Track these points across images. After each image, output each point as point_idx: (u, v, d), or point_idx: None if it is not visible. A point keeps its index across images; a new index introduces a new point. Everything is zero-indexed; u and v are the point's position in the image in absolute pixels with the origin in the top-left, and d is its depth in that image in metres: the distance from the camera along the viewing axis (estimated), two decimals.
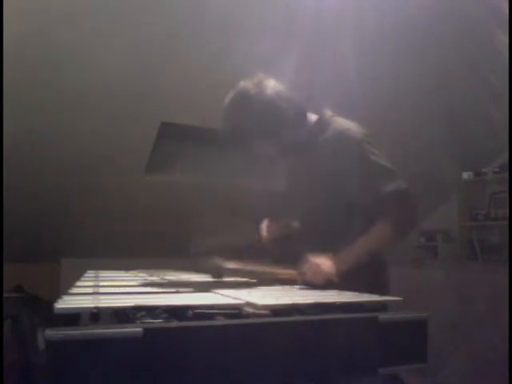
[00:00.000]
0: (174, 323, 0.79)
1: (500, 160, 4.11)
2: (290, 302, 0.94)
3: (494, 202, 4.16)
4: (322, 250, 1.44)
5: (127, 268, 2.11)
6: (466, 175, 4.18)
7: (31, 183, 3.13)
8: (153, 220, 3.45)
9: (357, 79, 2.68)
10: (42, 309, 2.83)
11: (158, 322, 0.78)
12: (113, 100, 2.89)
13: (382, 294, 1.11)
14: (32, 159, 3.04)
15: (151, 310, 0.83)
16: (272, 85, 1.54)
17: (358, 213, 1.49)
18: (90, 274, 1.83)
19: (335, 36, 2.56)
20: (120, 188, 3.33)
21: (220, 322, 0.82)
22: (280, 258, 1.65)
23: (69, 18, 2.45)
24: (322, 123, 1.61)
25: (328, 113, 1.64)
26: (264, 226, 1.76)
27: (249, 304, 0.92)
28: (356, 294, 1.13)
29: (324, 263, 1.40)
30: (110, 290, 1.21)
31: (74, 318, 0.84)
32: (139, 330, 0.72)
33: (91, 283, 1.43)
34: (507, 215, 3.80)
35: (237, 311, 0.88)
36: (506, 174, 3.75)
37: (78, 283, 1.41)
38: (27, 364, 2.62)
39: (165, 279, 1.66)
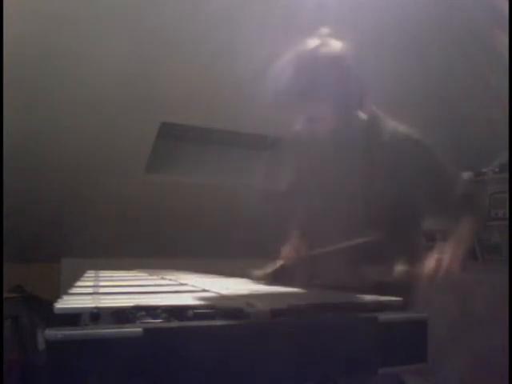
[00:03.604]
0: (174, 323, 0.79)
1: (500, 160, 4.11)
2: (290, 302, 0.94)
3: (493, 202, 4.16)
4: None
5: (127, 268, 2.12)
6: (466, 175, 4.17)
7: (31, 183, 3.13)
8: (153, 220, 3.45)
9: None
10: (41, 309, 2.83)
11: (157, 322, 0.78)
12: (113, 100, 2.89)
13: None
14: (32, 159, 3.04)
15: (151, 310, 0.83)
16: (339, 45, 1.39)
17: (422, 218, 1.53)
18: (90, 274, 1.83)
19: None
20: (120, 188, 3.33)
21: (220, 321, 0.82)
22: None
23: (68, 19, 2.45)
24: (374, 122, 1.48)
25: (376, 112, 1.51)
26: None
27: (249, 304, 0.92)
28: (356, 294, 1.13)
29: (443, 255, 1.39)
30: (110, 290, 1.21)
31: (74, 317, 0.84)
32: (139, 329, 0.72)
33: (91, 283, 1.43)
34: (507, 215, 3.80)
35: (237, 311, 0.88)
36: (506, 174, 3.75)
37: (78, 283, 1.41)
38: (27, 364, 2.62)
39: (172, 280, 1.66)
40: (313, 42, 1.37)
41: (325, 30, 1.40)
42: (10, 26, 2.29)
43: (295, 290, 1.33)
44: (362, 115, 1.48)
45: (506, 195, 3.75)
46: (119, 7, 2.47)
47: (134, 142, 3.17)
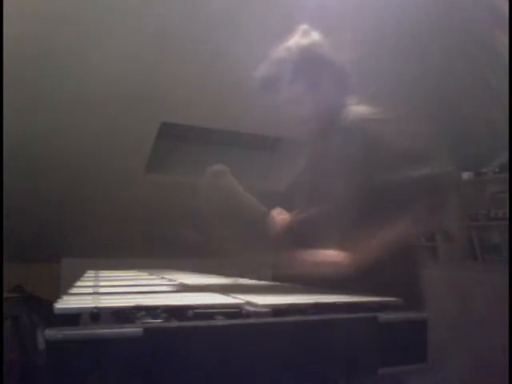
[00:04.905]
0: (174, 323, 0.79)
1: (500, 160, 4.11)
2: (290, 301, 0.94)
3: (493, 202, 4.16)
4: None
5: (127, 268, 2.11)
6: (466, 175, 4.18)
7: (31, 183, 3.13)
8: (153, 220, 3.45)
9: (356, 80, 2.68)
10: (41, 309, 2.83)
11: (157, 322, 0.78)
12: (113, 100, 2.90)
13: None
14: (32, 159, 3.05)
15: (151, 310, 0.83)
16: (320, 39, 1.49)
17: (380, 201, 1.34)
18: (90, 274, 1.83)
19: (335, 35, 2.56)
20: (120, 188, 3.33)
21: (220, 321, 0.82)
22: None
23: (68, 19, 2.45)
24: (345, 110, 1.50)
25: (353, 100, 1.53)
26: (275, 214, 1.58)
27: (249, 303, 0.92)
28: (356, 294, 1.13)
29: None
30: (110, 289, 1.21)
31: (74, 318, 0.84)
32: (139, 329, 0.72)
33: (91, 283, 1.43)
34: (507, 215, 3.80)
35: (237, 311, 0.88)
36: (506, 174, 3.75)
37: (78, 283, 1.41)
38: (27, 364, 2.62)
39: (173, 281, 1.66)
40: (296, 36, 1.48)
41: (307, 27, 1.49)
42: (10, 26, 2.29)
43: (295, 289, 1.33)
44: (341, 103, 1.51)
45: (506, 195, 3.75)
46: (119, 7, 2.47)
47: (133, 142, 3.17)
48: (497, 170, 4.06)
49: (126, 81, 2.81)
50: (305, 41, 1.46)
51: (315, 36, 1.48)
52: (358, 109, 1.50)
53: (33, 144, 2.98)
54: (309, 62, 1.43)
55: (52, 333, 0.68)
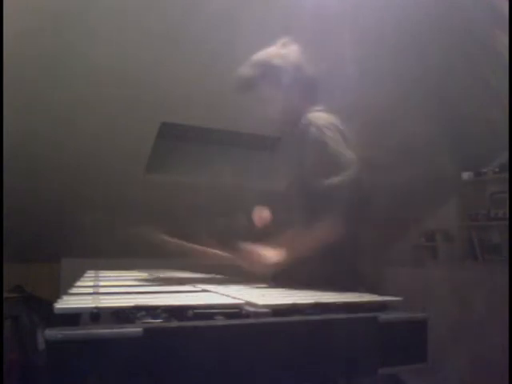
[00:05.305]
0: (174, 323, 0.79)
1: (500, 160, 4.11)
2: (290, 301, 0.94)
3: (493, 202, 4.16)
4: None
5: (127, 268, 2.11)
6: (466, 175, 4.18)
7: (31, 183, 3.13)
8: (153, 220, 3.45)
9: (357, 80, 2.68)
10: (41, 309, 2.83)
11: (157, 322, 0.78)
12: (113, 100, 2.89)
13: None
14: (32, 159, 3.04)
15: (151, 310, 0.83)
16: (295, 50, 1.62)
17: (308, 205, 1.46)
18: (90, 274, 1.83)
19: (335, 36, 2.56)
20: (120, 188, 3.33)
21: (220, 321, 0.82)
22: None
23: (69, 19, 2.45)
24: (306, 117, 1.57)
25: (316, 108, 1.60)
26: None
27: (249, 304, 0.92)
28: (356, 294, 1.13)
29: (264, 253, 1.44)
30: (110, 289, 1.21)
31: (74, 317, 0.84)
32: (139, 329, 0.72)
33: (91, 283, 1.43)
34: (507, 215, 3.80)
35: (237, 311, 0.88)
36: (506, 174, 3.75)
37: (78, 283, 1.41)
38: (27, 364, 2.62)
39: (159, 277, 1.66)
40: (276, 46, 1.63)
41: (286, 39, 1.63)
42: (10, 25, 2.29)
43: (295, 289, 1.33)
44: (305, 110, 1.59)
45: (506, 195, 3.75)
46: (119, 7, 2.47)
47: (133, 142, 3.17)
48: (497, 170, 4.06)
49: (125, 81, 2.81)
50: (282, 51, 1.60)
51: (293, 48, 1.62)
52: (317, 116, 1.56)
53: (33, 144, 2.98)
54: (281, 69, 1.56)
55: (52, 333, 0.68)
